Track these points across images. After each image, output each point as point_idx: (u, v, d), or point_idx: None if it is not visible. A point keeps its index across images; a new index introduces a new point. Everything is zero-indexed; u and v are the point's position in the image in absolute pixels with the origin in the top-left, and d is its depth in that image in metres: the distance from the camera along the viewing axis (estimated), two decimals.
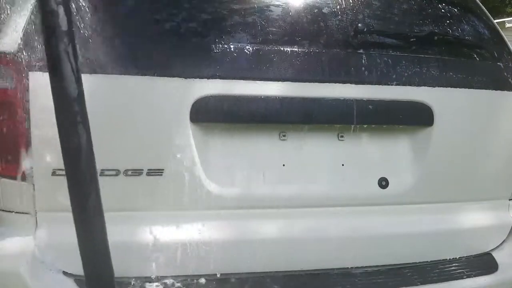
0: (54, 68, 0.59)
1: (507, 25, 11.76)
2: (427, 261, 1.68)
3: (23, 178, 1.37)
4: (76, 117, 0.60)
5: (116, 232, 1.46)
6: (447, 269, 1.67)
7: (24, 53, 1.35)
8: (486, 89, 1.72)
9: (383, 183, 1.63)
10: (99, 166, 1.38)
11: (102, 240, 0.62)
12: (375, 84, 1.57)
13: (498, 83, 1.75)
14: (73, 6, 1.54)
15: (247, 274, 1.51)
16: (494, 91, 1.74)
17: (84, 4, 1.54)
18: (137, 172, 1.41)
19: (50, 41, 0.60)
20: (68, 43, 0.60)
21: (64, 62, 0.59)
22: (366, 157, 1.64)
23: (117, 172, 1.40)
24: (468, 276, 1.66)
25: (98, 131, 1.41)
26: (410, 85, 1.61)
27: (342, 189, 1.60)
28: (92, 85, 1.38)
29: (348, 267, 1.61)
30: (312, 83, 1.53)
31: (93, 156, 0.60)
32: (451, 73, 1.68)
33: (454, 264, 1.69)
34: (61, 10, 0.59)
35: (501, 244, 1.78)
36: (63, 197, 1.42)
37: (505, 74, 1.79)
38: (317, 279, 1.55)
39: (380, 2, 1.80)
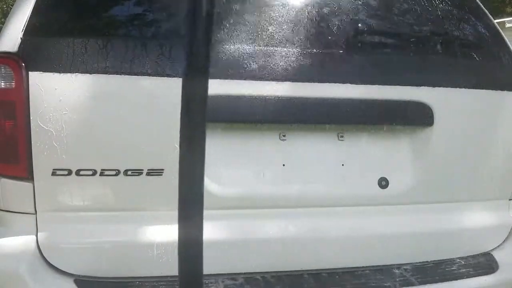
0: (189, 68, 0.60)
1: (507, 25, 11.75)
2: (427, 261, 1.68)
3: (23, 178, 1.38)
4: (199, 119, 0.60)
5: (116, 232, 1.46)
6: (447, 269, 1.67)
7: (24, 53, 1.36)
8: (486, 89, 1.72)
9: (383, 183, 1.63)
10: (99, 166, 1.40)
11: (198, 239, 0.63)
12: (375, 84, 1.57)
13: (498, 83, 1.75)
14: None
15: (247, 274, 1.51)
16: (494, 91, 1.74)
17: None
18: (137, 172, 1.41)
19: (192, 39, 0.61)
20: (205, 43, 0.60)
21: (200, 62, 0.60)
22: (366, 157, 1.64)
23: (117, 172, 1.40)
24: (469, 276, 1.66)
25: (98, 131, 1.41)
26: (410, 85, 1.61)
27: (342, 189, 1.60)
28: (92, 85, 1.38)
29: (348, 267, 1.61)
30: (312, 83, 1.53)
31: (204, 156, 0.61)
32: (451, 73, 1.68)
33: (454, 264, 1.69)
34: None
35: (501, 244, 1.78)
36: (63, 197, 1.43)
37: (505, 74, 1.79)
38: (317, 279, 1.55)
39: (380, 2, 1.80)
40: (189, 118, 0.59)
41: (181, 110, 0.59)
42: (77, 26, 1.46)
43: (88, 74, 1.37)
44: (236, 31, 1.53)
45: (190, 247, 0.63)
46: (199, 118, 0.60)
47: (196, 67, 0.60)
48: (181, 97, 0.59)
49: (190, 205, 0.63)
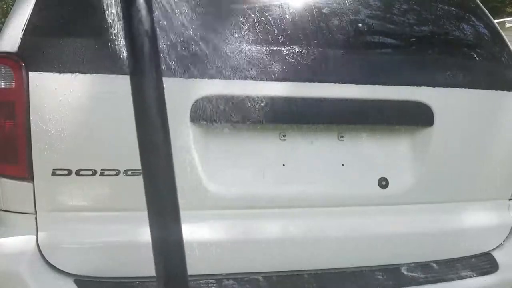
0: (134, 68, 0.61)
1: (507, 25, 11.76)
2: (427, 261, 1.68)
3: (23, 178, 1.38)
4: (154, 117, 0.60)
5: (116, 232, 1.46)
6: (447, 269, 1.67)
7: (24, 53, 1.36)
8: (486, 89, 1.72)
9: (383, 183, 1.63)
10: (99, 166, 1.40)
11: (177, 240, 0.62)
12: (375, 84, 1.57)
13: (498, 83, 1.75)
14: None
15: (247, 274, 1.51)
16: (494, 91, 1.74)
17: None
18: (137, 172, 1.41)
19: (133, 41, 0.61)
20: (150, 43, 0.61)
21: (145, 63, 0.61)
22: (366, 157, 1.64)
23: (117, 172, 1.40)
24: (468, 276, 1.66)
25: (98, 131, 1.41)
26: (410, 85, 1.61)
27: (342, 189, 1.60)
28: (92, 85, 1.38)
29: (348, 267, 1.61)
30: (312, 83, 1.53)
31: (171, 155, 0.61)
32: (451, 73, 1.68)
33: (454, 264, 1.69)
34: (144, 12, 0.60)
35: (501, 244, 1.78)
36: (63, 197, 1.43)
37: (505, 74, 1.79)
38: (317, 279, 1.55)
39: (380, 2, 1.80)
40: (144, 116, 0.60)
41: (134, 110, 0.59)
42: (77, 26, 1.46)
43: (88, 74, 1.37)
44: (236, 31, 1.53)
45: (168, 246, 0.63)
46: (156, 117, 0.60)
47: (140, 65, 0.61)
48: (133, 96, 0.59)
49: (162, 204, 0.63)
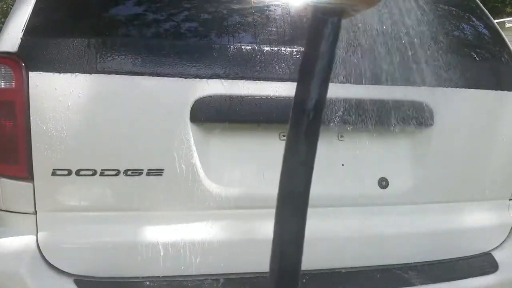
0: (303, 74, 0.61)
1: (507, 25, 11.75)
2: (427, 261, 1.68)
3: (23, 178, 1.38)
4: (308, 126, 0.61)
5: (116, 232, 1.46)
6: (447, 269, 1.67)
7: (24, 53, 1.36)
8: (486, 89, 1.72)
9: (383, 183, 1.63)
10: (99, 166, 1.40)
11: (299, 237, 0.64)
12: (375, 84, 1.57)
13: (498, 83, 1.75)
14: None
15: (247, 274, 1.51)
16: (494, 91, 1.74)
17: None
18: (137, 172, 1.41)
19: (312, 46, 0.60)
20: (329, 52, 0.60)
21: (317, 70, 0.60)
22: (366, 157, 1.64)
23: (117, 172, 1.40)
24: (468, 276, 1.66)
25: (98, 131, 1.41)
26: (410, 85, 1.61)
27: (342, 189, 1.60)
28: (92, 85, 1.38)
29: (348, 267, 1.60)
30: None
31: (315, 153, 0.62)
32: (451, 73, 1.68)
33: (454, 264, 1.69)
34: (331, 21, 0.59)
35: (501, 244, 1.78)
36: (63, 197, 1.43)
37: (505, 74, 1.79)
38: (317, 279, 1.55)
39: (380, 2, 1.80)
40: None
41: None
42: (77, 26, 1.46)
43: (88, 74, 1.37)
44: (236, 32, 1.53)
45: (289, 244, 0.64)
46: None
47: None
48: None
49: (291, 203, 0.64)
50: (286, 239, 0.64)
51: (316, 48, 0.59)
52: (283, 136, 1.55)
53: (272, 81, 1.48)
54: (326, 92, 0.60)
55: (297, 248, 0.64)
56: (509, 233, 1.79)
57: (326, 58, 0.59)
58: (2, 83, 1.36)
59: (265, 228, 1.56)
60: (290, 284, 0.65)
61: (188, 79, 1.42)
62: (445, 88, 1.64)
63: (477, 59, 1.79)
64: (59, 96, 1.35)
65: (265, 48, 1.50)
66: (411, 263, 1.66)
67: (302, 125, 0.60)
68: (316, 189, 1.70)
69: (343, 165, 1.61)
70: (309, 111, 0.60)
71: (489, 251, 1.76)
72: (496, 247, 1.77)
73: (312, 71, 0.59)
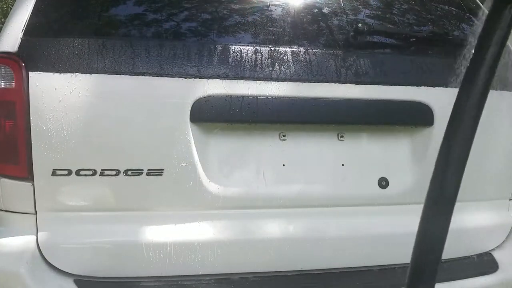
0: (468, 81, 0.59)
1: None
2: None
3: (23, 178, 1.38)
4: (468, 131, 0.60)
5: (116, 232, 1.46)
6: (447, 269, 1.67)
7: (24, 53, 1.36)
8: None
9: (383, 183, 1.63)
10: (99, 166, 1.40)
11: (442, 233, 0.64)
12: (375, 84, 1.57)
13: (498, 83, 1.75)
14: None
15: (247, 274, 1.51)
16: (494, 91, 1.74)
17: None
18: (137, 172, 1.41)
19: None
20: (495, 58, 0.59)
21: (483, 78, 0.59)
22: (366, 157, 1.64)
23: (117, 172, 1.40)
24: (468, 276, 1.65)
25: (98, 131, 1.41)
26: (410, 85, 1.61)
27: (342, 189, 1.60)
28: (92, 85, 1.38)
29: (348, 267, 1.60)
30: (312, 83, 1.52)
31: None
32: (451, 73, 1.68)
33: (454, 264, 1.69)
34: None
35: (501, 243, 1.77)
36: (63, 197, 1.43)
37: (505, 74, 1.79)
38: (317, 279, 1.55)
39: (380, 2, 1.80)
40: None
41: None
42: (77, 26, 1.46)
43: (88, 74, 1.37)
44: (236, 32, 1.53)
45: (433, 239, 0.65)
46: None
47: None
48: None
49: (441, 201, 0.64)
50: (431, 236, 0.65)
51: (490, 36, 0.57)
52: (283, 136, 1.55)
53: (272, 81, 1.48)
54: (492, 79, 0.58)
55: (439, 245, 0.65)
56: (509, 233, 1.79)
57: (498, 46, 0.57)
58: (2, 83, 1.36)
59: (265, 228, 1.57)
60: (428, 277, 0.66)
61: (188, 79, 1.42)
62: (445, 88, 1.64)
63: None
64: (59, 96, 1.35)
65: (265, 48, 1.50)
66: None
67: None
68: (316, 189, 1.71)
69: (343, 165, 1.61)
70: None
71: (489, 251, 1.76)
72: (496, 247, 1.77)
73: (484, 58, 0.57)
